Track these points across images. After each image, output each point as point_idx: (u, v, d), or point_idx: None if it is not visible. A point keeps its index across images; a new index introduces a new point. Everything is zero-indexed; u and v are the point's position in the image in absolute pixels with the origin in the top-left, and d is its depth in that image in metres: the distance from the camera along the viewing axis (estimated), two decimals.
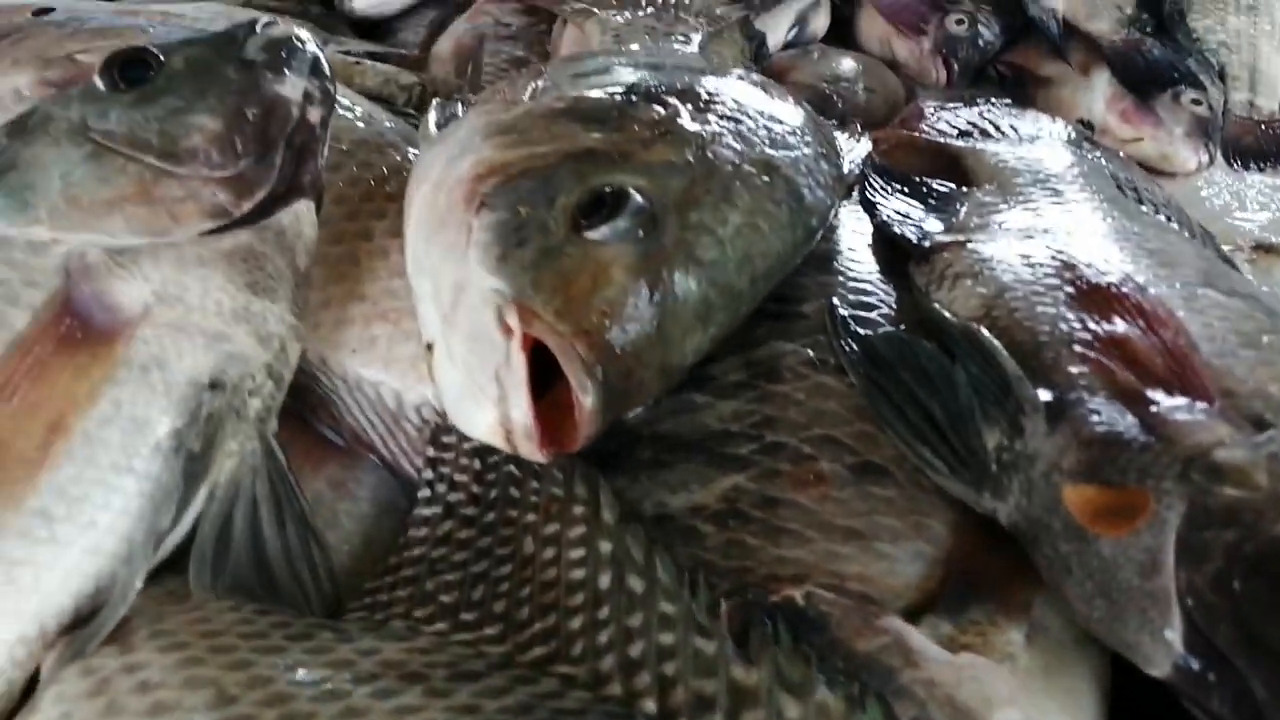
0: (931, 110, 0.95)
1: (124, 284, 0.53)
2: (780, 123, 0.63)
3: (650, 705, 0.46)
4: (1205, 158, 1.01)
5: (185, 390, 0.52)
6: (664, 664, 0.47)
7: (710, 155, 0.57)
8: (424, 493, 0.60)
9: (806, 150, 0.61)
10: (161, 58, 0.60)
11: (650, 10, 1.00)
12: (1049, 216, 0.66)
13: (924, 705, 0.45)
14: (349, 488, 0.63)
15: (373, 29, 1.15)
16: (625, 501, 0.53)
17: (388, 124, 0.77)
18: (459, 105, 0.70)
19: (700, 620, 0.47)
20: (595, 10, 0.99)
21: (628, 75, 0.64)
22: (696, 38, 0.98)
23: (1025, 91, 1.11)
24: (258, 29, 0.62)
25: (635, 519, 0.52)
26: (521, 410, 0.49)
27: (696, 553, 0.51)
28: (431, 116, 0.69)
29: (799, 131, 0.63)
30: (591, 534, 0.52)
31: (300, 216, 0.59)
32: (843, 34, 1.22)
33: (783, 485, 0.53)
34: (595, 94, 0.61)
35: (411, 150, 0.74)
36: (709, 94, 0.62)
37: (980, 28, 1.12)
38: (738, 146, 0.58)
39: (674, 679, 0.46)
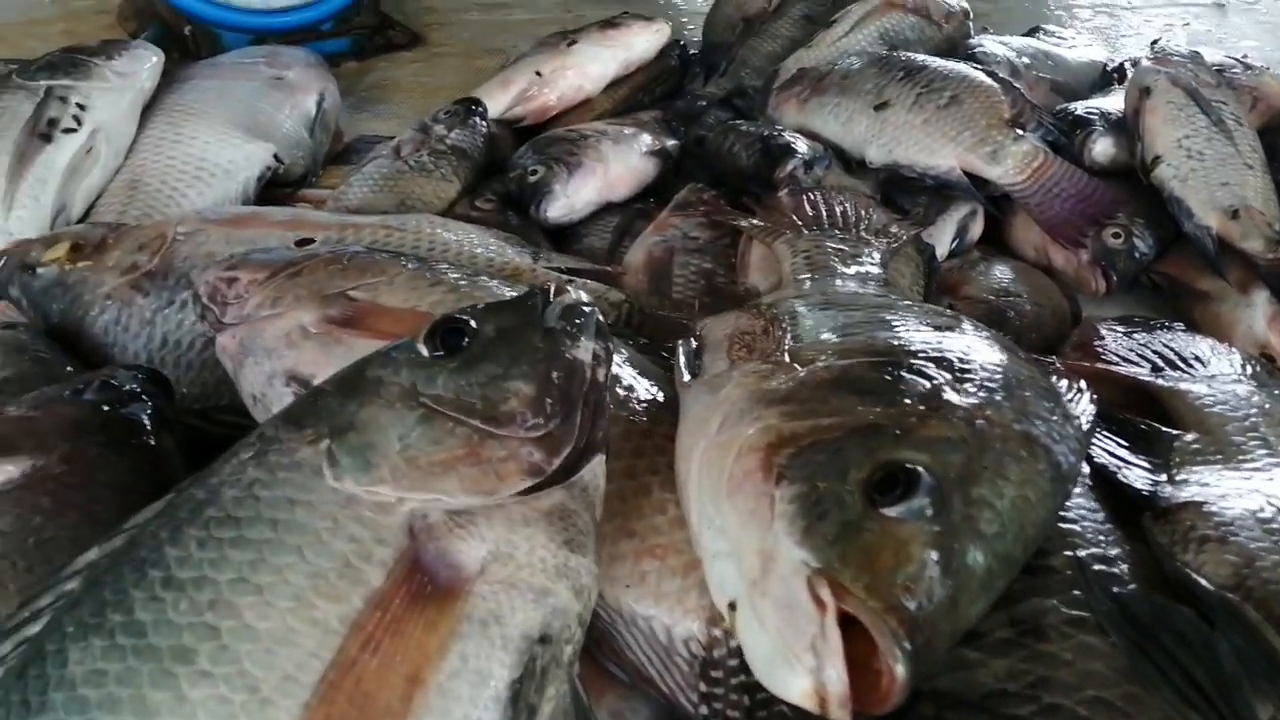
0: (1108, 334, 1.00)
1: (463, 543, 0.59)
2: (1026, 388, 0.68)
3: None
4: None
5: (520, 644, 0.58)
6: None
7: (979, 429, 0.63)
8: None
9: (1054, 417, 0.67)
10: (475, 325, 0.67)
11: (833, 230, 1.08)
12: (1271, 473, 0.71)
13: None
14: (625, 718, 0.68)
15: (562, 234, 1.24)
16: None
17: (625, 354, 0.83)
18: (694, 345, 0.78)
19: None
20: (784, 232, 1.07)
21: (891, 334, 0.71)
22: (878, 256, 1.05)
23: (1181, 302, 1.17)
24: (553, 298, 0.69)
25: None
26: (838, 681, 0.54)
27: None
28: (682, 362, 0.76)
29: (1044, 396, 0.69)
30: None
31: (596, 471, 0.65)
32: (992, 236, 1.29)
33: None
34: (861, 364, 0.67)
35: (649, 382, 0.81)
36: (961, 360, 0.68)
37: (1135, 240, 1.18)
38: (1000, 419, 0.64)
39: None
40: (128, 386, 0.83)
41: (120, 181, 1.41)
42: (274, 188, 1.47)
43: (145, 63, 1.50)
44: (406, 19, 2.20)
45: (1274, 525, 0.64)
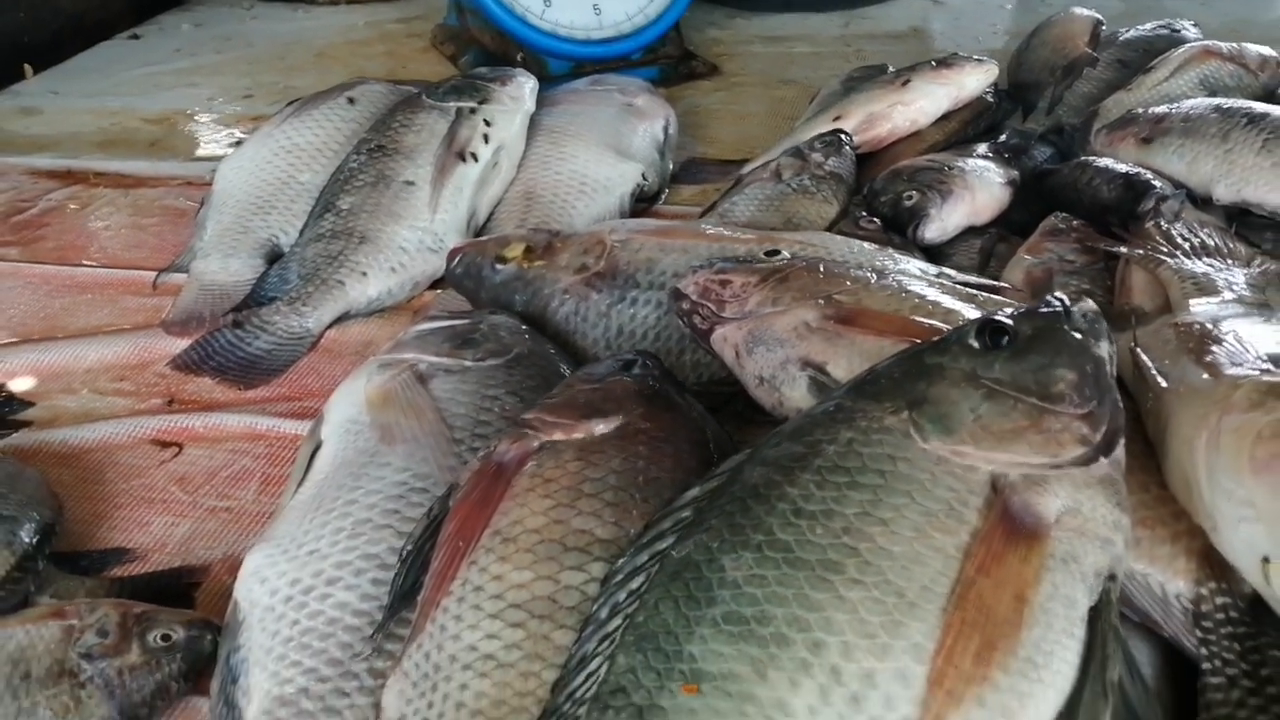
0: None
1: (1040, 498, 0.74)
2: None
3: None
4: None
5: (1093, 580, 0.72)
6: None
7: None
8: (1206, 664, 0.78)
9: None
10: (1014, 325, 0.82)
11: (1210, 259, 1.20)
12: None
13: None
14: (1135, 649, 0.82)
15: (932, 254, 1.39)
16: None
17: None
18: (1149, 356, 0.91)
19: None
20: (1163, 259, 1.20)
21: None
22: (1248, 282, 1.17)
23: None
24: (1076, 307, 0.84)
25: None
26: None
27: None
28: (1154, 371, 0.90)
29: None
30: None
31: (1121, 451, 0.79)
32: None
33: None
34: None
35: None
36: None
37: None
38: None
39: None
40: (653, 364, 1.01)
41: (516, 192, 1.62)
42: (637, 203, 1.66)
43: (528, 87, 1.71)
44: (699, 50, 2.39)
45: None
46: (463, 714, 0.76)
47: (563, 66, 2.18)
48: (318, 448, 1.04)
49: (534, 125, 1.71)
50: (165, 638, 0.89)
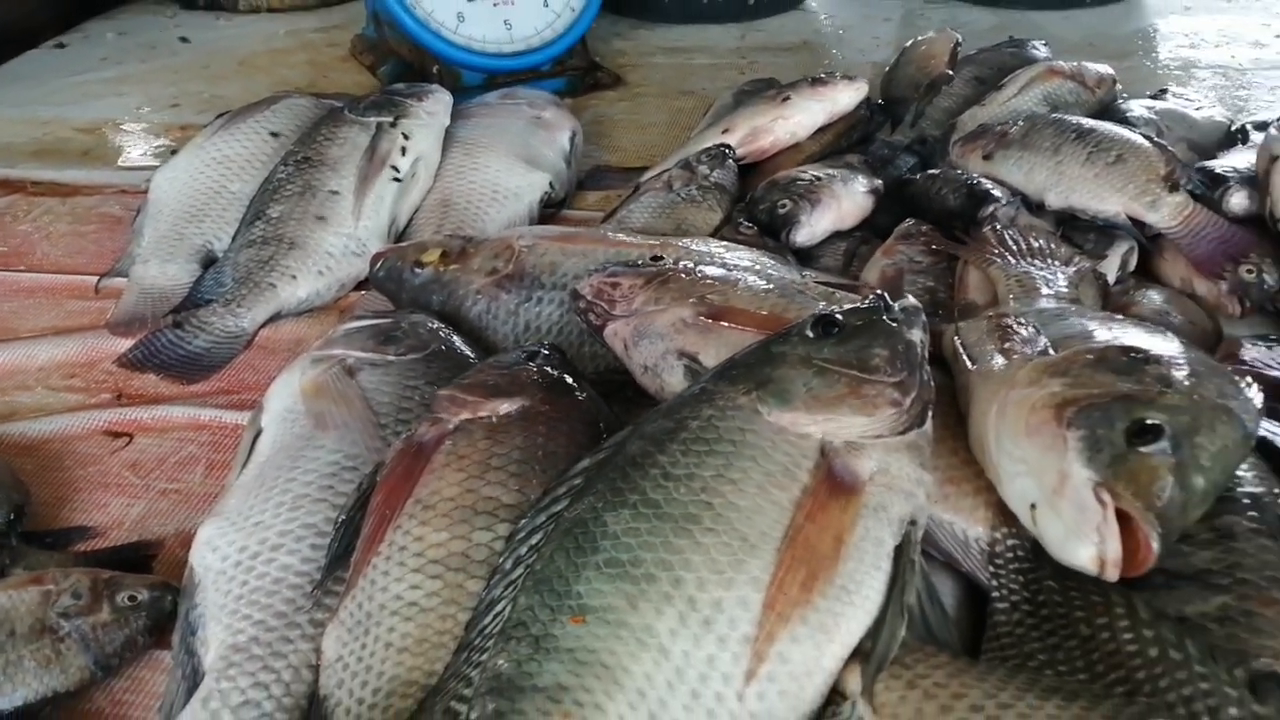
0: (1249, 346, 1.31)
1: (858, 460, 0.92)
2: (1218, 374, 1.00)
3: None
4: None
5: (898, 525, 0.90)
6: (1204, 701, 0.82)
7: (1196, 401, 0.95)
8: (995, 594, 0.97)
9: (1239, 395, 0.99)
10: (843, 317, 1.00)
11: (1034, 260, 1.40)
12: None
13: None
14: (940, 584, 1.01)
15: (802, 256, 1.58)
16: (1152, 607, 0.89)
17: None
18: (960, 343, 1.10)
19: (1224, 679, 0.83)
20: (994, 260, 1.39)
21: (1124, 336, 1.03)
22: (1066, 280, 1.37)
23: None
24: (895, 304, 1.02)
25: (1165, 617, 0.88)
26: (1115, 551, 0.86)
27: (1210, 641, 0.87)
28: (963, 354, 1.09)
29: (1229, 380, 1.01)
30: (1136, 625, 0.89)
31: (929, 423, 0.98)
32: (1140, 267, 1.60)
33: (1254, 605, 0.89)
34: (1112, 353, 0.99)
35: None
36: (1175, 355, 1.01)
37: (1264, 275, 1.48)
38: (1208, 395, 0.96)
39: (1214, 711, 0.81)
40: (556, 354, 1.17)
41: (433, 200, 1.77)
42: (544, 209, 1.82)
43: (443, 103, 1.86)
44: (604, 61, 2.56)
45: None
46: (390, 652, 0.91)
47: (476, 78, 2.33)
48: (259, 434, 1.19)
49: (449, 137, 1.86)
50: (132, 598, 1.03)
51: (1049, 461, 0.92)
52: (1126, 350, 1.00)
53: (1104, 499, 0.87)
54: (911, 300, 1.03)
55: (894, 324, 1.00)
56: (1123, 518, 0.87)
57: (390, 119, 1.78)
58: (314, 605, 1.00)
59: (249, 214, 1.71)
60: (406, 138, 1.76)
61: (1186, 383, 0.97)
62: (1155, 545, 0.86)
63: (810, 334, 1.00)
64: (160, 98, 2.49)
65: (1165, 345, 1.03)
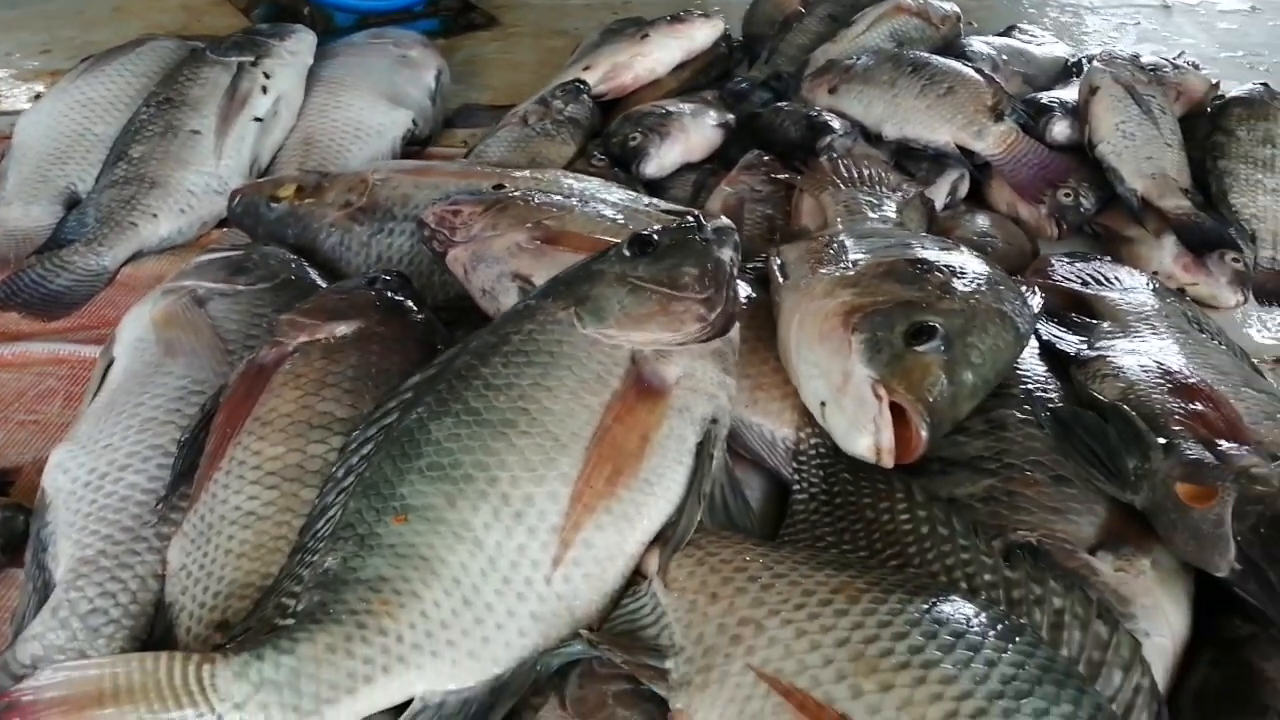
0: (1057, 262, 1.41)
1: (666, 366, 0.99)
2: (999, 283, 1.10)
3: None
4: (1241, 298, 1.46)
5: (700, 424, 0.98)
6: (964, 570, 0.92)
7: (971, 304, 1.04)
8: (796, 486, 1.06)
9: (1016, 302, 1.08)
10: (658, 237, 1.07)
11: (862, 187, 1.48)
12: (1150, 342, 1.13)
13: (1100, 594, 0.90)
14: (747, 481, 1.09)
15: (653, 187, 1.64)
16: (926, 491, 0.99)
17: None
18: (780, 261, 1.18)
19: (983, 550, 0.92)
20: (826, 187, 1.47)
21: (916, 250, 1.12)
22: (894, 206, 1.46)
23: (1112, 245, 1.58)
24: (707, 223, 1.09)
25: (937, 499, 0.97)
26: (888, 440, 0.95)
27: (974, 518, 0.96)
28: (776, 270, 1.16)
29: (1009, 287, 1.10)
30: (911, 507, 0.98)
31: (734, 332, 1.05)
32: (973, 193, 1.70)
33: (1016, 486, 0.99)
34: (900, 265, 1.08)
35: (749, 289, 1.21)
36: (960, 267, 1.10)
37: (1082, 199, 1.59)
38: (983, 300, 1.05)
39: (970, 578, 0.91)
40: (396, 281, 1.23)
41: (296, 139, 1.80)
42: (407, 147, 1.85)
43: (306, 42, 1.88)
44: (479, 2, 2.58)
45: (1147, 368, 1.06)
46: (230, 558, 0.97)
47: (348, 19, 2.34)
48: (111, 363, 1.22)
49: (313, 76, 1.88)
50: None
51: (836, 363, 1.00)
52: (913, 262, 1.09)
53: (880, 394, 0.96)
54: (724, 220, 1.10)
55: (705, 243, 1.07)
56: (897, 411, 0.96)
57: (251, 59, 1.80)
58: (159, 520, 1.04)
59: (111, 155, 1.72)
60: (268, 77, 1.78)
61: (965, 290, 1.06)
62: (925, 434, 0.95)
63: (627, 253, 1.06)
64: (31, 44, 2.46)
65: (953, 258, 1.12)
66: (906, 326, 1.00)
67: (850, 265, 1.12)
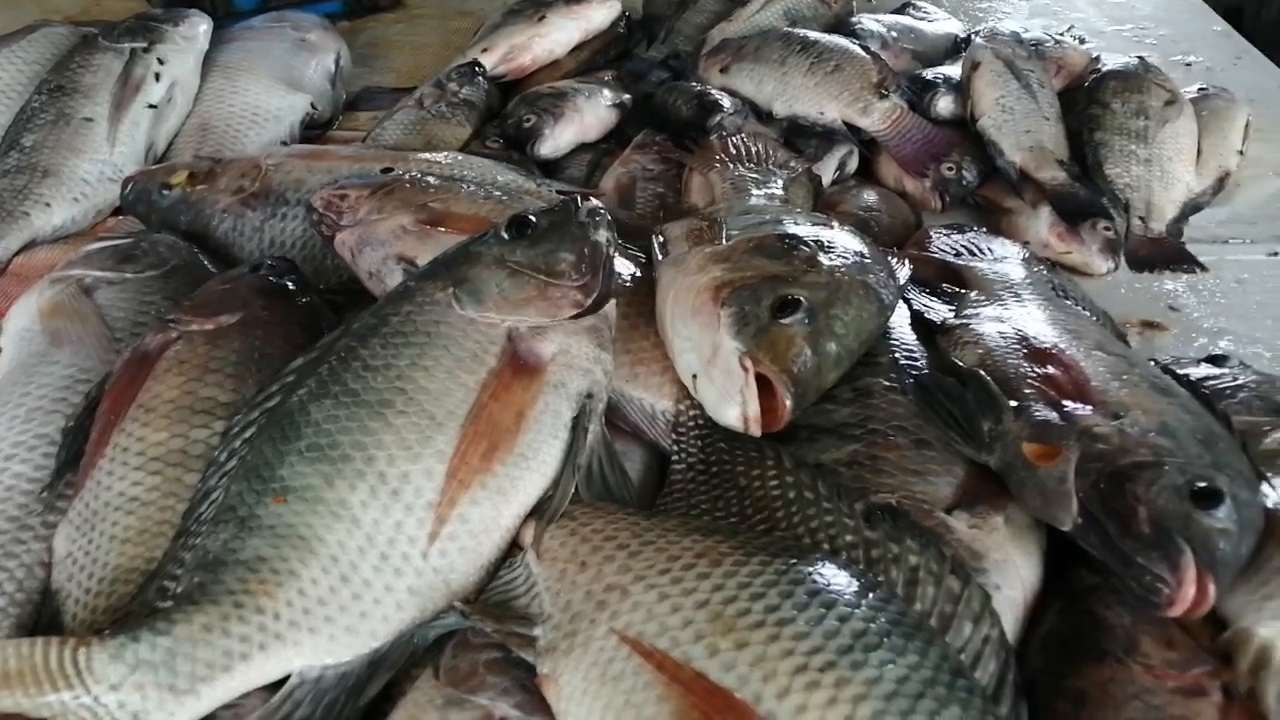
0: (935, 235, 1.46)
1: (541, 344, 1.02)
2: (866, 256, 1.14)
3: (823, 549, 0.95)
4: (1113, 265, 1.52)
5: (576, 399, 1.01)
6: (827, 531, 0.96)
7: (836, 277, 1.08)
8: (674, 457, 1.10)
9: (881, 272, 1.13)
10: (535, 219, 1.09)
11: (750, 164, 1.51)
12: (1012, 310, 1.18)
13: (955, 550, 0.95)
14: (629, 454, 1.12)
15: (549, 167, 1.66)
16: (795, 457, 1.03)
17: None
18: (662, 239, 1.21)
19: (845, 511, 0.97)
20: (715, 165, 1.51)
21: (787, 226, 1.15)
22: (781, 182, 1.49)
23: (993, 217, 1.63)
24: (582, 205, 1.12)
25: (804, 465, 1.02)
26: (754, 410, 0.99)
27: (838, 482, 1.00)
28: (656, 248, 1.20)
29: (876, 260, 1.15)
30: (780, 473, 1.02)
31: (611, 309, 1.08)
32: (864, 169, 1.74)
33: (879, 450, 1.03)
34: (769, 240, 1.12)
35: (632, 266, 1.24)
36: (829, 241, 1.14)
37: (964, 172, 1.64)
38: (849, 272, 1.09)
39: (833, 539, 0.95)
40: (282, 267, 1.24)
41: (191, 125, 1.79)
42: (308, 130, 1.85)
43: (201, 27, 1.87)
44: None
45: (1006, 335, 1.11)
46: (115, 544, 0.98)
47: (250, 2, 2.31)
48: None
49: (209, 61, 1.88)
50: None
51: (706, 337, 1.04)
52: (783, 238, 1.13)
53: (746, 365, 1.00)
54: (595, 203, 1.13)
55: (581, 226, 1.10)
56: (764, 381, 1.00)
57: (144, 45, 1.78)
58: (45, 508, 1.05)
59: (3, 144, 1.70)
60: (161, 63, 1.77)
61: (830, 263, 1.10)
62: (789, 403, 0.99)
63: (505, 235, 1.09)
64: None
65: (822, 233, 1.16)
66: (772, 300, 1.04)
67: (723, 241, 1.15)
